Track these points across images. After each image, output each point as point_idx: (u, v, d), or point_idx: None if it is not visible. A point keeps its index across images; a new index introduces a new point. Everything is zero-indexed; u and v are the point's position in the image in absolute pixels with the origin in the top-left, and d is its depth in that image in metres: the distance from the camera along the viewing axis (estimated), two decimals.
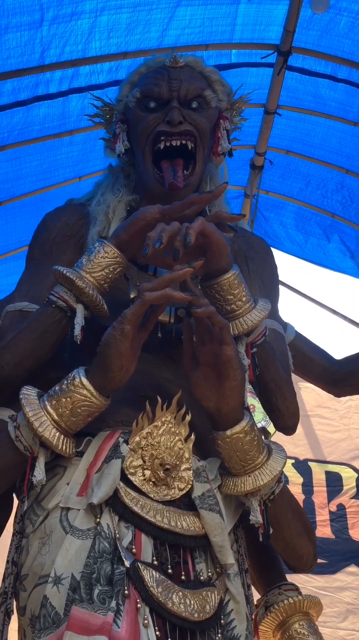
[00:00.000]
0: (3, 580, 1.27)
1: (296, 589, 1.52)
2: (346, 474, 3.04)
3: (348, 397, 2.85)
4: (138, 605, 1.10)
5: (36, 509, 1.24)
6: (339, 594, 2.62)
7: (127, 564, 1.13)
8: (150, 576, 1.13)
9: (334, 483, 2.97)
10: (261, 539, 1.29)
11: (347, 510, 2.93)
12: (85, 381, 1.20)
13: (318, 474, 2.93)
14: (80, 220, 1.53)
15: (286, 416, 1.49)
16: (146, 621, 1.10)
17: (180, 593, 1.15)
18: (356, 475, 3.08)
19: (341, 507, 2.93)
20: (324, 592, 2.67)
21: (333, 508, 2.90)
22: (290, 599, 1.45)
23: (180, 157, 1.49)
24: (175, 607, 1.13)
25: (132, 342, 1.22)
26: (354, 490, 3.00)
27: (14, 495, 1.44)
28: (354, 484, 3.03)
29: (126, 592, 1.10)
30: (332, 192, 3.24)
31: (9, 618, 1.22)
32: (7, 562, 1.27)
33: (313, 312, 3.73)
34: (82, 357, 1.33)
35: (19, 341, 1.31)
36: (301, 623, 1.45)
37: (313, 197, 3.30)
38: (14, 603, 1.26)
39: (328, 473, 2.98)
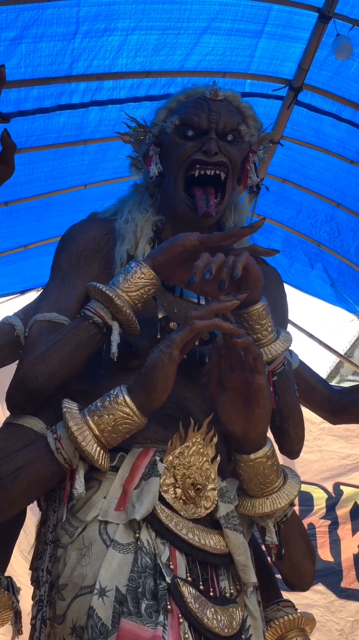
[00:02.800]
0: (38, 589, 1.31)
1: (292, 605, 1.62)
2: (317, 494, 3.19)
3: (321, 420, 2.99)
4: (180, 620, 1.17)
5: (72, 520, 1.28)
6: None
7: (168, 579, 1.19)
8: (188, 592, 1.20)
9: (305, 502, 3.10)
10: (273, 559, 1.38)
11: (317, 530, 3.07)
12: (128, 400, 1.24)
13: None
14: (106, 235, 1.58)
15: (295, 441, 1.58)
16: (187, 635, 1.17)
17: (213, 609, 1.22)
18: (326, 496, 3.23)
19: (311, 526, 3.07)
20: None
21: None
22: (289, 615, 1.55)
23: (211, 186, 1.57)
24: (209, 623, 1.20)
25: (176, 366, 1.29)
26: (324, 510, 3.15)
27: (37, 504, 1.47)
28: (324, 504, 3.18)
29: (169, 607, 1.16)
30: (321, 223, 3.38)
31: (45, 625, 1.26)
32: (41, 570, 1.31)
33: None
34: (105, 371, 1.39)
35: (54, 353, 1.35)
36: (298, 639, 1.55)
37: (303, 225, 3.44)
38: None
39: (300, 492, 3.11)
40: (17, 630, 1.43)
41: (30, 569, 1.42)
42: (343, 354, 4.65)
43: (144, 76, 2.56)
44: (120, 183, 3.00)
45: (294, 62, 2.73)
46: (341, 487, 3.26)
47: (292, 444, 1.56)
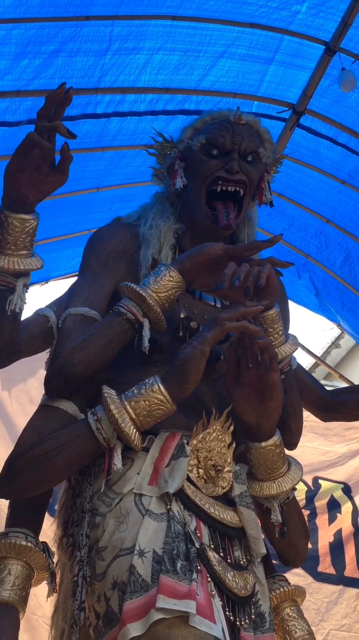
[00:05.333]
0: (78, 550, 1.44)
1: (286, 579, 1.79)
2: (298, 486, 3.42)
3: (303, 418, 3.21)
4: (208, 579, 1.33)
5: (108, 492, 1.42)
6: None
7: (197, 545, 1.34)
8: (213, 557, 1.36)
9: None
10: (277, 536, 1.54)
11: None
12: (162, 388, 1.39)
13: None
14: (131, 239, 1.73)
15: (295, 434, 1.74)
16: (213, 592, 1.32)
17: (232, 572, 1.38)
18: (306, 488, 3.47)
19: None
20: None
21: None
22: (283, 587, 1.70)
23: (230, 200, 1.73)
24: (230, 584, 1.36)
25: (206, 361, 1.47)
26: (304, 501, 3.39)
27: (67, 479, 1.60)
28: (304, 496, 3.41)
29: (198, 567, 1.31)
30: (311, 236, 3.59)
31: (86, 582, 1.40)
32: (80, 535, 1.44)
33: None
34: (130, 363, 1.57)
35: (90, 344, 1.49)
36: (291, 608, 1.70)
37: (293, 238, 3.65)
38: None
39: None
40: (52, 589, 1.56)
41: (63, 535, 1.58)
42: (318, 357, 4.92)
43: (163, 92, 2.75)
44: (129, 188, 3.19)
45: (299, 89, 2.95)
46: (320, 481, 3.51)
47: (292, 437, 1.72)
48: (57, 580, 1.60)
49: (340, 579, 3.28)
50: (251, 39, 2.70)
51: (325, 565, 3.28)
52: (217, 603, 1.32)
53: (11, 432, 3.01)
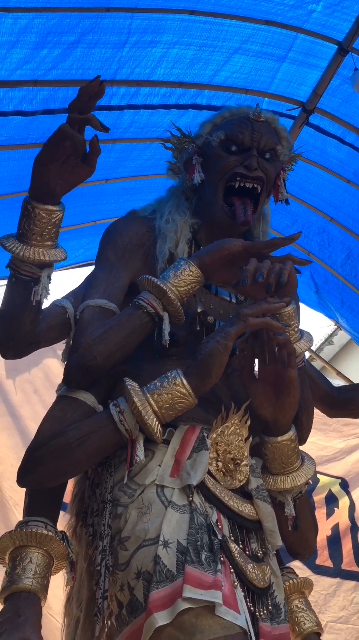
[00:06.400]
0: (100, 540, 1.45)
1: (294, 572, 1.84)
2: None
3: None
4: (231, 570, 1.35)
5: (130, 484, 1.44)
6: None
7: (220, 536, 1.37)
8: (235, 548, 1.39)
9: None
10: (290, 529, 1.56)
11: None
12: (185, 382, 1.41)
13: None
14: (147, 232, 1.74)
15: (306, 430, 1.77)
16: (235, 583, 1.34)
17: (252, 564, 1.41)
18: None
19: None
20: None
21: None
22: (292, 580, 1.74)
23: (247, 197, 1.75)
24: (250, 575, 1.39)
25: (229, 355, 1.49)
26: None
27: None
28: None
29: (222, 559, 1.33)
30: (314, 234, 3.62)
31: (109, 572, 1.42)
32: (102, 524, 1.46)
33: None
34: (148, 355, 1.59)
35: (111, 336, 1.50)
36: (300, 600, 1.75)
37: None
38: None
39: None
40: (72, 578, 1.56)
41: (77, 525, 1.60)
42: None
43: (177, 86, 2.76)
44: (137, 181, 3.19)
45: (309, 87, 2.97)
46: (318, 475, 3.56)
47: (303, 432, 1.73)
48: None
49: (337, 571, 3.34)
50: (265, 36, 2.71)
51: (323, 559, 3.34)
52: (240, 594, 1.34)
53: (16, 422, 3.01)
